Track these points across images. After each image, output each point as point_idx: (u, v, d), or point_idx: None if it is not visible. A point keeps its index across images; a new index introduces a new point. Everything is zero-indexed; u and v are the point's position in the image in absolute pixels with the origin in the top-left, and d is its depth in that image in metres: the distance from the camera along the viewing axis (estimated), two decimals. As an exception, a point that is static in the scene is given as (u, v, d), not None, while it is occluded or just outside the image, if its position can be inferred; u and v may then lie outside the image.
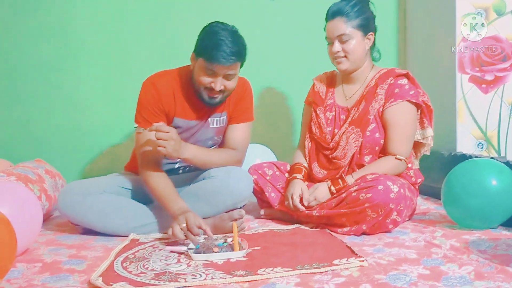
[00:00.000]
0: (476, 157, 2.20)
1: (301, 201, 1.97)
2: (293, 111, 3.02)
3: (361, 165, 2.02)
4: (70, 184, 2.03)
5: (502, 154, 2.56)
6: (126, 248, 1.72)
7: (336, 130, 2.08)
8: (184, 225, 1.67)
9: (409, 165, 2.07)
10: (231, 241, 1.67)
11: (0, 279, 1.31)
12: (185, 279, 1.37)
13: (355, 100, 2.09)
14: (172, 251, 1.67)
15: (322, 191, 1.98)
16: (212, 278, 1.37)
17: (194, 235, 1.66)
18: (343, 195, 1.88)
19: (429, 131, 2.09)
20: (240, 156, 2.10)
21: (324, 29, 2.08)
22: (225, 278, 1.37)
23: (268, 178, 2.16)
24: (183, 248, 1.66)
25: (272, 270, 1.42)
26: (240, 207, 2.01)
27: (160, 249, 1.70)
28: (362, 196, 1.80)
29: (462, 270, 1.38)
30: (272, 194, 2.13)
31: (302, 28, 3.00)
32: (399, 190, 1.79)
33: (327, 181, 2.01)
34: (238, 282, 1.35)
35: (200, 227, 1.66)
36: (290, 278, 1.36)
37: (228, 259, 1.56)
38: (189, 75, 1.99)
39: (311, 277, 1.36)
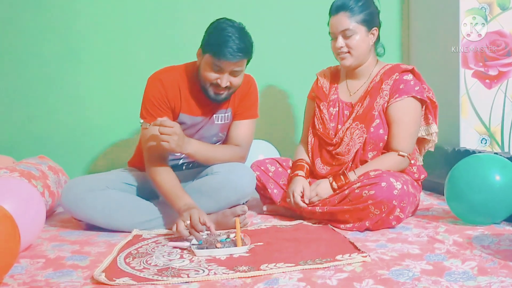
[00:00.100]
0: (480, 152, 2.20)
1: (302, 198, 1.97)
2: (296, 106, 3.01)
3: (364, 161, 2.01)
4: (74, 180, 2.03)
5: (506, 150, 2.55)
6: (129, 244, 1.72)
7: (339, 126, 2.08)
8: (189, 222, 1.68)
9: (412, 161, 2.06)
10: (234, 237, 1.67)
11: (4, 274, 1.32)
12: (188, 274, 1.38)
13: (360, 96, 2.08)
14: (175, 247, 1.67)
15: (324, 187, 1.98)
16: (215, 274, 1.37)
17: (198, 232, 1.66)
18: (346, 191, 1.88)
19: (434, 127, 2.08)
20: (243, 152, 2.10)
21: (328, 24, 2.07)
22: (228, 274, 1.37)
23: (270, 174, 2.16)
24: (186, 244, 1.66)
25: (274, 265, 1.42)
26: (243, 203, 2.01)
27: (163, 245, 1.70)
28: (365, 193, 1.80)
29: (465, 265, 1.38)
30: (275, 190, 2.13)
31: (305, 24, 2.99)
32: (402, 187, 1.78)
33: (329, 177, 2.00)
34: (240, 277, 1.35)
35: (204, 224, 1.67)
36: (292, 273, 1.36)
37: (231, 254, 1.56)
38: (195, 71, 1.99)
39: (313, 273, 1.36)
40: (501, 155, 1.92)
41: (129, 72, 2.91)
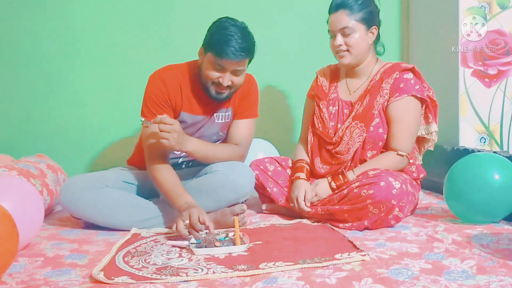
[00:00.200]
0: (479, 151, 2.20)
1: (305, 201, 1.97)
2: (295, 105, 3.01)
3: (363, 161, 2.01)
4: (73, 178, 2.03)
5: (505, 149, 2.55)
6: (128, 242, 1.72)
7: (339, 125, 2.07)
8: (188, 221, 1.67)
9: (411, 161, 2.06)
10: (233, 236, 1.67)
11: (2, 273, 1.32)
12: (186, 273, 1.37)
13: (359, 95, 2.08)
14: (173, 246, 1.67)
15: (322, 187, 1.98)
16: (213, 272, 1.37)
17: (197, 231, 1.66)
18: (345, 191, 1.88)
19: (434, 127, 2.08)
20: (243, 151, 2.10)
21: (327, 22, 2.07)
22: (227, 272, 1.37)
23: (269, 173, 2.16)
24: (184, 243, 1.66)
25: (273, 264, 1.42)
26: (242, 202, 2.01)
27: (162, 244, 1.70)
28: (364, 192, 1.80)
29: (464, 264, 1.38)
30: (275, 189, 2.13)
31: (304, 22, 2.99)
32: (401, 186, 1.78)
33: (327, 177, 2.00)
34: (239, 276, 1.35)
35: (204, 223, 1.66)
36: (291, 272, 1.36)
37: (229, 253, 1.56)
38: (197, 70, 1.99)
39: (312, 271, 1.36)
40: (500, 154, 1.92)
41: (128, 71, 2.91)
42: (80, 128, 2.91)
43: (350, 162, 2.03)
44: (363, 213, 1.81)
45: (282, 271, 1.37)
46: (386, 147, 2.02)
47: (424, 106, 2.05)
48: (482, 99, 2.54)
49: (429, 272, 1.33)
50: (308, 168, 2.10)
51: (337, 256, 1.47)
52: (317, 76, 2.23)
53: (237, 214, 1.85)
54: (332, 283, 1.28)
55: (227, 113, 2.08)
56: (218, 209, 1.93)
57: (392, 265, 1.40)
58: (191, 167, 2.14)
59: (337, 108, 2.11)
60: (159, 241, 1.74)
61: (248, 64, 1.94)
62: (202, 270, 1.40)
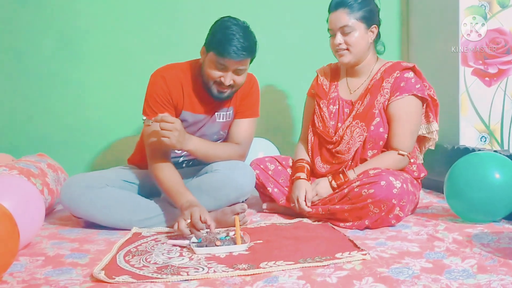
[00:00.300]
0: (479, 150, 2.20)
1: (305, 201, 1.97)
2: (296, 105, 3.01)
3: (364, 160, 2.01)
4: (73, 177, 2.03)
5: (505, 148, 2.55)
6: (129, 241, 1.72)
7: (339, 124, 2.07)
8: (189, 220, 1.67)
9: (412, 160, 2.06)
10: (233, 235, 1.67)
11: (3, 272, 1.32)
12: (187, 272, 1.37)
13: (360, 94, 2.07)
14: (174, 245, 1.67)
15: (323, 186, 1.98)
16: (214, 272, 1.37)
17: (198, 230, 1.66)
18: (345, 190, 1.88)
19: (435, 126, 2.08)
20: (243, 151, 2.10)
21: (327, 21, 2.07)
22: (227, 272, 1.37)
23: (270, 172, 2.16)
24: (185, 242, 1.66)
25: (274, 263, 1.42)
26: (243, 201, 2.01)
27: (163, 243, 1.70)
28: (364, 191, 1.80)
29: (464, 263, 1.38)
30: (275, 189, 2.12)
31: (305, 21, 2.99)
32: (401, 186, 1.78)
33: (328, 176, 2.00)
34: (240, 275, 1.35)
35: (205, 222, 1.66)
36: (292, 271, 1.36)
37: (230, 252, 1.56)
38: (198, 69, 1.99)
39: (313, 271, 1.36)
40: (500, 153, 1.92)
41: (129, 70, 2.91)
42: (80, 127, 2.91)
43: (350, 161, 2.03)
44: (364, 212, 1.81)
45: (282, 270, 1.37)
46: (387, 147, 2.02)
47: (424, 105, 2.05)
48: (483, 98, 2.54)
49: (429, 271, 1.33)
50: (309, 167, 2.10)
51: (338, 255, 1.47)
52: (317, 75, 2.23)
53: (238, 213, 1.85)
54: (332, 282, 1.28)
55: (228, 112, 2.08)
56: (219, 208, 1.94)
57: (393, 264, 1.40)
58: (192, 166, 2.15)
59: (337, 107, 2.11)
60: (160, 240, 1.74)
61: (250, 63, 1.94)
62: (203, 269, 1.40)
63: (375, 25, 2.05)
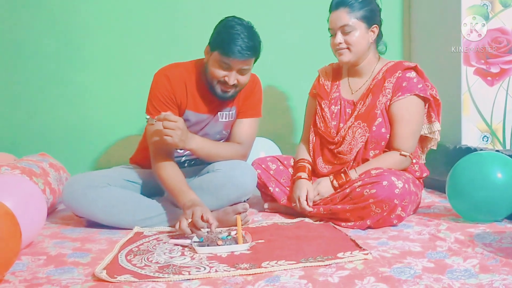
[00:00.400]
0: (481, 150, 2.19)
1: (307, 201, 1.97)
2: (297, 105, 3.01)
3: (366, 160, 2.01)
4: (75, 176, 2.03)
5: (507, 147, 2.55)
6: (131, 241, 1.72)
7: (341, 124, 2.07)
8: (191, 219, 1.68)
9: (414, 160, 2.05)
10: (235, 234, 1.67)
11: (5, 271, 1.32)
12: (189, 271, 1.37)
13: (361, 94, 2.07)
14: (176, 244, 1.67)
15: (324, 185, 1.97)
16: (216, 271, 1.37)
17: (198, 229, 1.66)
18: (347, 190, 1.87)
19: (437, 126, 2.07)
20: (245, 150, 2.10)
21: (328, 20, 2.06)
22: (229, 271, 1.37)
23: (271, 172, 2.16)
24: (187, 241, 1.66)
25: (276, 263, 1.42)
26: (244, 201, 2.01)
27: (164, 242, 1.70)
28: (366, 191, 1.79)
29: (466, 263, 1.38)
30: (277, 189, 2.12)
31: (306, 21, 2.99)
32: (403, 186, 1.77)
33: (330, 176, 2.00)
34: (242, 275, 1.35)
35: (207, 221, 1.66)
36: (294, 271, 1.36)
37: (232, 252, 1.56)
38: (202, 68, 1.99)
39: (315, 270, 1.36)
40: (502, 153, 1.91)
41: (131, 69, 2.91)
42: (82, 126, 2.91)
43: (352, 162, 2.02)
44: (366, 212, 1.80)
45: (284, 269, 1.37)
46: (389, 147, 2.01)
47: (427, 105, 2.05)
48: (485, 97, 2.53)
49: (431, 271, 1.33)
50: (310, 167, 2.10)
51: (340, 254, 1.47)
52: (319, 75, 2.23)
53: (240, 213, 1.85)
54: (334, 281, 1.27)
55: (231, 112, 2.08)
56: (221, 208, 1.94)
57: (395, 264, 1.40)
58: (194, 166, 2.15)
59: (339, 107, 2.11)
60: (162, 240, 1.74)
61: (254, 63, 1.95)
62: (205, 268, 1.40)
63: (376, 25, 2.04)
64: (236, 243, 1.60)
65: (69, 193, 1.93)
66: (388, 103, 2.00)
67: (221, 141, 2.14)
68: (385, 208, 1.77)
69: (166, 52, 2.87)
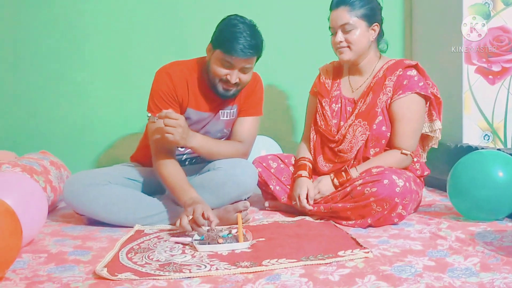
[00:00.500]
0: (483, 148, 2.19)
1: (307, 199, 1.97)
2: (298, 103, 3.00)
3: (366, 159, 2.00)
4: (76, 174, 2.03)
5: (509, 146, 2.54)
6: (131, 239, 1.72)
7: (342, 123, 2.06)
8: (192, 217, 1.68)
9: (415, 159, 2.05)
10: (236, 233, 1.67)
11: (6, 269, 1.32)
12: (189, 269, 1.38)
13: (362, 92, 2.07)
14: (177, 242, 1.67)
15: (325, 184, 1.97)
16: (216, 269, 1.37)
17: (198, 226, 1.66)
18: (348, 189, 1.87)
19: (438, 124, 2.07)
20: (246, 149, 2.10)
21: (328, 19, 2.06)
22: (230, 269, 1.37)
23: (272, 171, 2.16)
24: (187, 239, 1.66)
25: (276, 261, 1.42)
26: (245, 199, 2.01)
27: (165, 240, 1.70)
28: (367, 190, 1.79)
29: (467, 261, 1.38)
30: (277, 187, 2.12)
31: (307, 20, 2.98)
32: (404, 184, 1.77)
33: (330, 174, 2.00)
34: (242, 273, 1.35)
35: (208, 219, 1.66)
36: (294, 269, 1.36)
37: (232, 250, 1.56)
38: (204, 67, 1.99)
39: (316, 268, 1.36)
40: (504, 152, 1.91)
41: (131, 67, 2.91)
42: (83, 124, 2.91)
43: (353, 160, 2.02)
44: (366, 211, 1.80)
45: (285, 268, 1.37)
46: (390, 145, 2.01)
47: (428, 103, 2.04)
48: (486, 96, 2.53)
49: (432, 270, 1.33)
50: (311, 166, 2.10)
51: (340, 253, 1.47)
52: (320, 73, 2.23)
53: (240, 211, 1.85)
54: (335, 280, 1.28)
55: (232, 111, 2.08)
56: (221, 206, 1.94)
57: (396, 262, 1.40)
58: (195, 164, 2.15)
59: (340, 105, 2.10)
60: (162, 238, 1.74)
61: (256, 62, 1.94)
62: (205, 266, 1.40)
63: (376, 23, 2.04)
64: (237, 241, 1.60)
65: (70, 191, 1.93)
66: (389, 101, 2.00)
67: (222, 139, 2.14)
68: (386, 207, 1.77)
69: (166, 51, 2.87)
